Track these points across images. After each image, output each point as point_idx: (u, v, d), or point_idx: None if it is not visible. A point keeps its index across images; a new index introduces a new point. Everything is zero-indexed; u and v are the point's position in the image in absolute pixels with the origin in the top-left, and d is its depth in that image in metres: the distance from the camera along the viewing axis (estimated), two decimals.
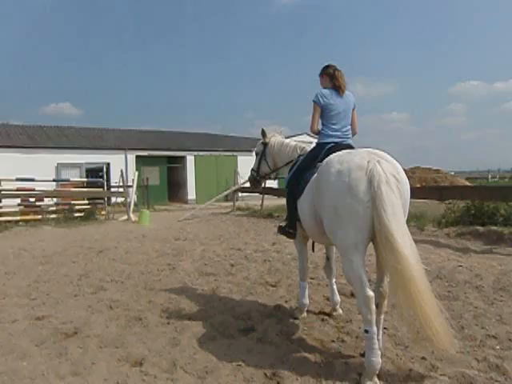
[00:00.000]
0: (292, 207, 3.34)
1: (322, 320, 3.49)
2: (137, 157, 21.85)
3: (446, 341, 2.24)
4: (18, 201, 11.74)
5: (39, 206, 11.96)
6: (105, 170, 15.48)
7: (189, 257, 6.59)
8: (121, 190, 13.75)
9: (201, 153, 24.24)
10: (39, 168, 16.44)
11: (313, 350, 2.85)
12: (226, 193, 16.17)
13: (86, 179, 16.18)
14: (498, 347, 2.82)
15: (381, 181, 2.34)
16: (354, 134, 3.51)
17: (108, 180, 15.00)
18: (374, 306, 2.40)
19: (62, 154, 19.47)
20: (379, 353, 2.40)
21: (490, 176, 32.50)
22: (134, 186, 14.36)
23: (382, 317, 2.73)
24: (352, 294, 4.01)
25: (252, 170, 4.33)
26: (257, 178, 4.30)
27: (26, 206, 11.76)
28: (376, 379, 2.36)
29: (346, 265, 2.51)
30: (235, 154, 24.54)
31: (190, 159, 23.95)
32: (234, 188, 15.27)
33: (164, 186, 23.61)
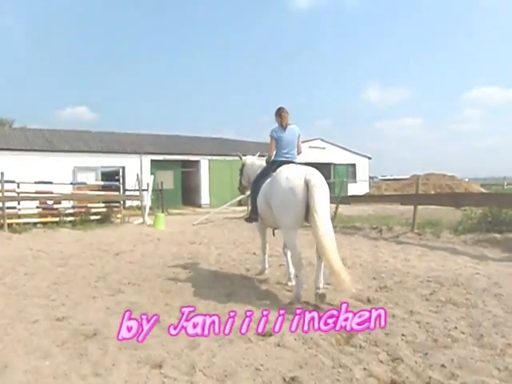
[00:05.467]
0: (254, 201, 4.90)
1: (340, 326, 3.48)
2: (151, 161, 22.13)
3: (346, 282, 3.68)
4: (37, 203, 11.95)
5: (57, 209, 12.15)
6: (120, 173, 15.67)
7: (204, 261, 6.63)
8: (136, 193, 13.90)
9: (214, 157, 24.39)
10: (56, 171, 16.81)
11: (331, 355, 2.84)
12: (238, 198, 16.20)
13: (102, 182, 16.36)
14: None
15: (314, 185, 3.96)
16: (299, 153, 4.97)
17: (123, 183, 15.15)
18: (302, 261, 4.32)
19: (78, 157, 19.85)
20: (302, 287, 4.15)
21: (505, 183, 31.66)
22: (150, 189, 14.48)
23: (322, 264, 4.10)
24: (369, 300, 4.08)
25: (240, 181, 6.21)
26: (243, 187, 6.19)
27: (44, 209, 11.96)
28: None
29: (286, 238, 4.38)
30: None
31: (204, 163, 24.15)
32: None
33: (178, 190, 23.75)
